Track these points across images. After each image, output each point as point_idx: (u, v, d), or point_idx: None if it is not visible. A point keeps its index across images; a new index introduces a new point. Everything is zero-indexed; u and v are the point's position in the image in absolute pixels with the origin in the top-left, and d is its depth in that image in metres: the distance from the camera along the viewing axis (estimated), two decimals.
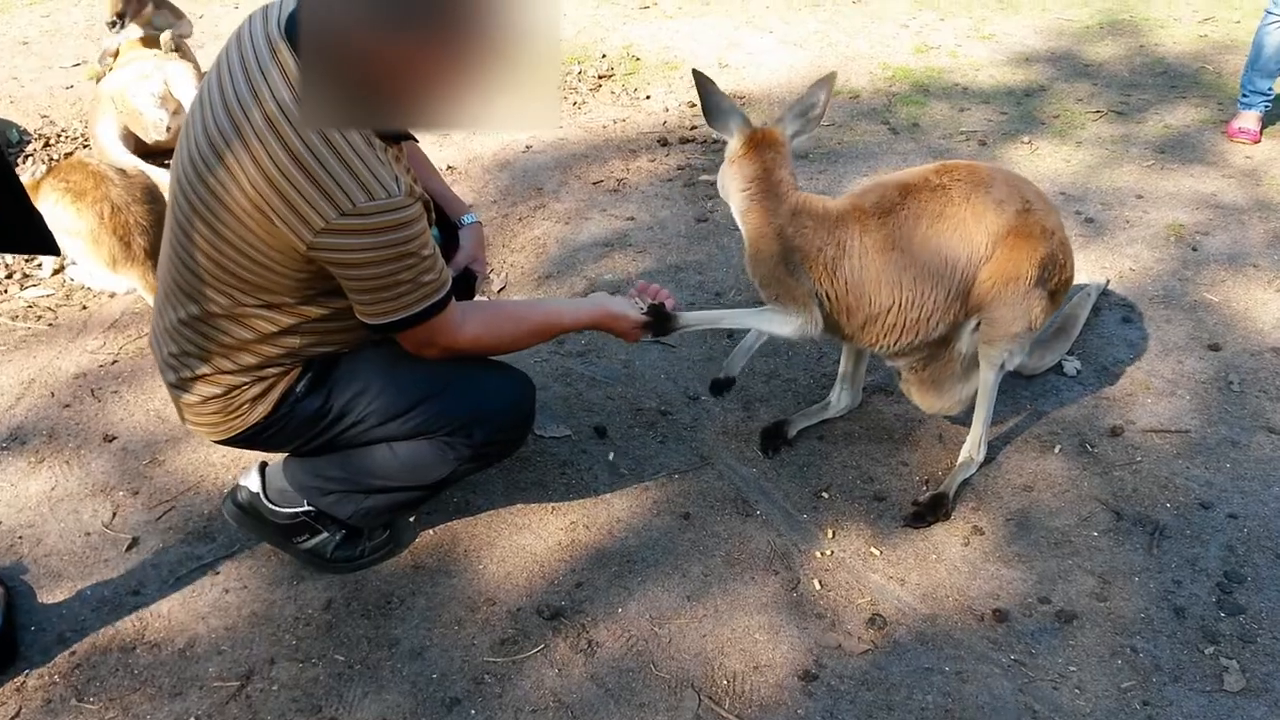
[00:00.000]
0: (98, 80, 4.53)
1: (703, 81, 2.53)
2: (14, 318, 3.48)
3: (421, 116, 1.94)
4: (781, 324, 2.55)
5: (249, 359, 2.12)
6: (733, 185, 2.58)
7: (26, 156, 4.64)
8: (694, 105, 5.06)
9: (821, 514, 2.68)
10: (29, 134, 4.81)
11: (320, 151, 1.85)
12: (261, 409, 2.19)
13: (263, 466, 2.47)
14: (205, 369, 2.14)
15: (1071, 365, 3.17)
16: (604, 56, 5.61)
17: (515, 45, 1.80)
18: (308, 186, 1.85)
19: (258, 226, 1.91)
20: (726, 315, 2.67)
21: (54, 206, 3.48)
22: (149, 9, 4.54)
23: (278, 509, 2.42)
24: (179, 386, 2.19)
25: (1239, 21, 6.02)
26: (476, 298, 2.72)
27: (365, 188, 1.87)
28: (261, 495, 2.43)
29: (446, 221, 2.59)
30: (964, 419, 2.84)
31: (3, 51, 5.49)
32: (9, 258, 3.85)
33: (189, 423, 2.27)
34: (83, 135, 4.76)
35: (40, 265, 3.77)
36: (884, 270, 2.50)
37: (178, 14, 4.70)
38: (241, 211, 1.91)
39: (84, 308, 3.55)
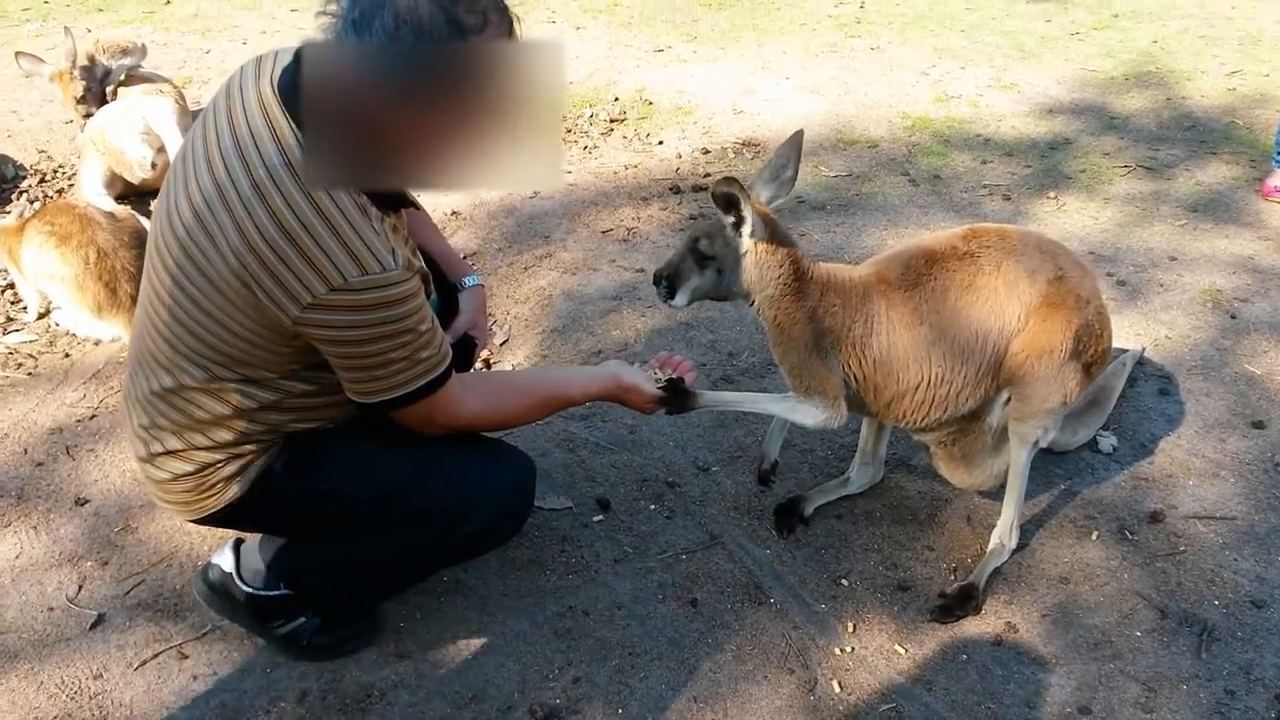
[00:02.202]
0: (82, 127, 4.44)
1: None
2: None
3: (425, 177, 1.83)
4: (805, 415, 2.37)
5: (225, 435, 1.95)
6: (760, 276, 2.33)
7: (21, 193, 4.50)
8: (708, 152, 4.92)
9: (841, 604, 2.48)
10: (25, 169, 4.68)
11: (310, 221, 1.69)
12: (236, 488, 2.01)
13: (238, 544, 2.29)
14: (177, 444, 1.96)
15: (1107, 442, 2.98)
16: (616, 100, 5.48)
17: (519, 107, 1.69)
18: (295, 258, 1.69)
19: (239, 298, 1.75)
20: (748, 399, 2.49)
21: (38, 250, 3.34)
22: (99, 70, 4.48)
23: (252, 591, 2.24)
24: (149, 461, 2.01)
25: (1268, 75, 5.87)
26: (477, 362, 2.55)
27: (358, 261, 1.71)
28: (235, 575, 2.25)
29: (446, 284, 2.42)
30: (995, 495, 2.65)
31: (5, 84, 5.38)
32: None
33: (159, 499, 2.09)
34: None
35: (25, 309, 3.61)
36: (912, 346, 2.33)
37: (123, 49, 4.62)
38: (222, 281, 1.75)
39: (67, 355, 3.39)
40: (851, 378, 2.37)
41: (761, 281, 2.33)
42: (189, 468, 1.98)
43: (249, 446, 1.98)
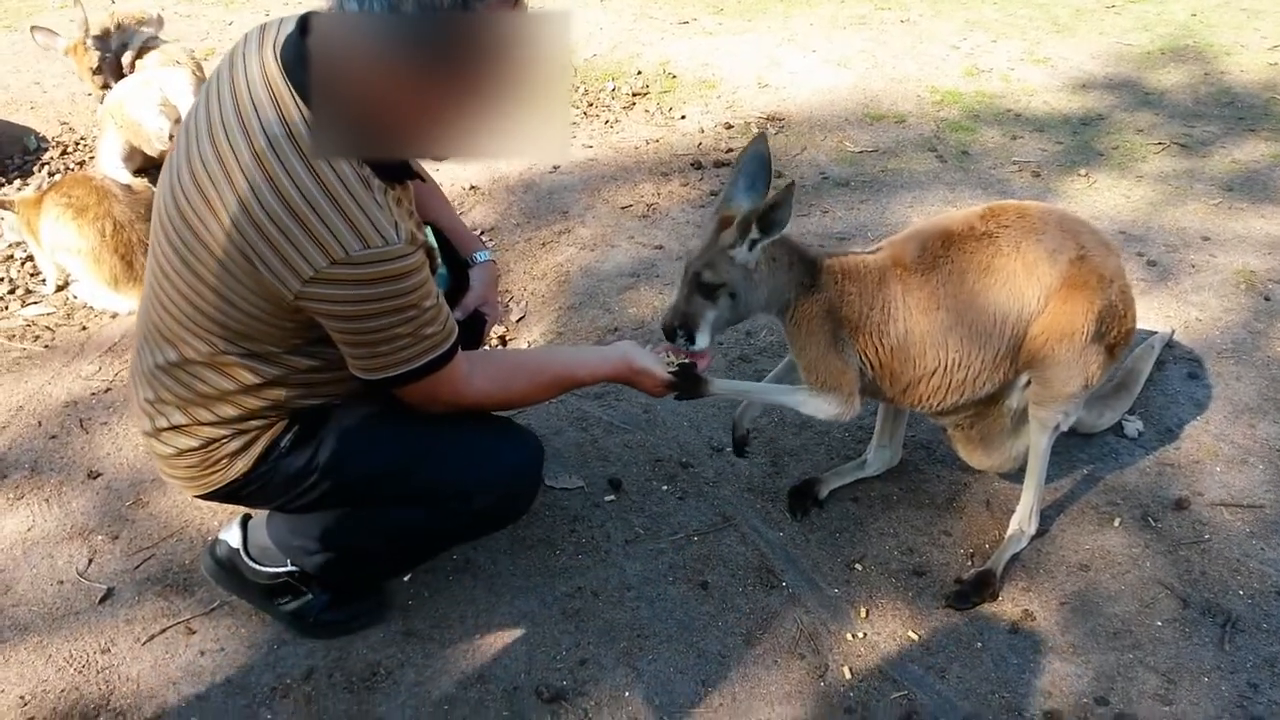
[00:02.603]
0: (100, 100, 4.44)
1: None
2: (10, 337, 3.33)
3: (429, 147, 1.81)
4: (818, 408, 2.32)
5: (229, 410, 1.93)
6: (775, 283, 2.26)
7: (43, 164, 4.51)
8: (731, 126, 4.84)
9: (854, 589, 2.44)
10: (47, 141, 4.69)
11: (311, 193, 1.66)
12: (241, 464, 1.99)
13: (245, 520, 2.28)
14: (182, 419, 1.95)
15: (1133, 426, 2.91)
16: (639, 73, 5.40)
17: (525, 78, 1.66)
18: (296, 231, 1.66)
19: (241, 271, 1.73)
20: (760, 389, 2.44)
21: (55, 223, 3.34)
22: (115, 42, 4.46)
23: (259, 567, 2.23)
24: (154, 435, 2.00)
25: None
26: (489, 339, 2.51)
27: (360, 234, 1.68)
28: (242, 552, 2.24)
29: (457, 259, 2.39)
30: (1015, 479, 2.60)
31: (29, 56, 5.38)
32: (13, 272, 3.71)
33: (165, 474, 2.08)
34: None
35: (44, 281, 3.62)
36: (929, 331, 2.27)
37: (140, 20, 4.60)
38: (223, 254, 1.72)
39: (84, 328, 3.39)
40: (868, 365, 2.31)
41: (778, 289, 2.27)
42: (193, 443, 1.96)
43: (253, 422, 1.96)
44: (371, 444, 2.02)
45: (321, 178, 1.67)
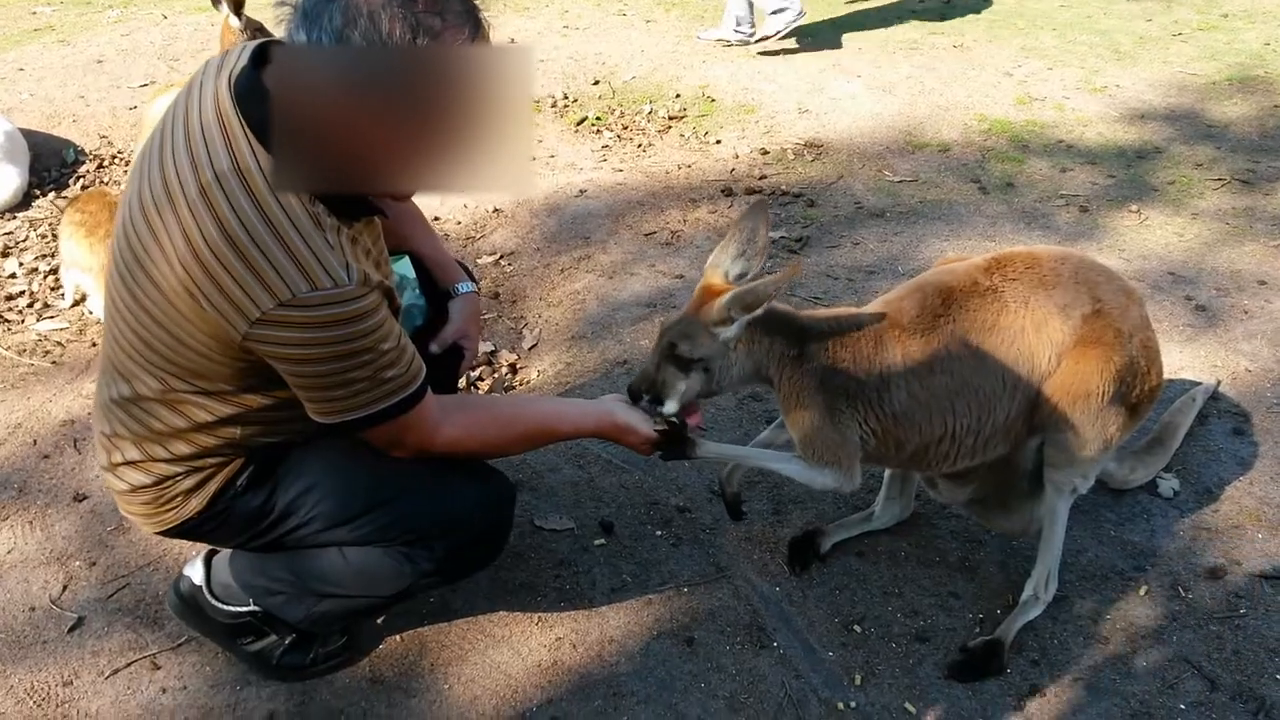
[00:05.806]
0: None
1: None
2: (20, 352, 3.32)
3: (387, 181, 1.72)
4: (813, 477, 2.16)
5: (183, 448, 1.86)
6: (757, 360, 2.12)
7: (79, 178, 4.55)
8: (766, 152, 4.72)
9: (851, 653, 2.28)
10: (85, 154, 4.73)
11: (256, 230, 1.58)
12: (195, 503, 1.91)
13: (209, 556, 2.20)
14: (136, 454, 1.88)
15: (1168, 485, 2.71)
16: (678, 96, 5.30)
17: (481, 112, 1.57)
18: (241, 270, 1.59)
19: (187, 309, 1.65)
20: (754, 455, 2.29)
21: (69, 240, 3.34)
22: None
23: (222, 606, 2.15)
24: (110, 470, 1.93)
25: None
26: (465, 373, 2.42)
27: (307, 275, 1.59)
28: (205, 589, 2.16)
29: (437, 289, 2.30)
30: (1037, 538, 2.41)
31: (76, 70, 5.46)
32: (35, 285, 3.73)
33: (122, 510, 2.01)
34: None
35: (63, 295, 3.62)
36: (933, 398, 2.11)
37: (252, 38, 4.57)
38: (170, 290, 1.65)
39: (94, 344, 3.37)
40: (870, 434, 2.15)
41: (760, 363, 2.12)
42: (147, 479, 1.89)
43: (208, 460, 1.89)
44: (330, 485, 1.93)
45: (269, 215, 1.59)
